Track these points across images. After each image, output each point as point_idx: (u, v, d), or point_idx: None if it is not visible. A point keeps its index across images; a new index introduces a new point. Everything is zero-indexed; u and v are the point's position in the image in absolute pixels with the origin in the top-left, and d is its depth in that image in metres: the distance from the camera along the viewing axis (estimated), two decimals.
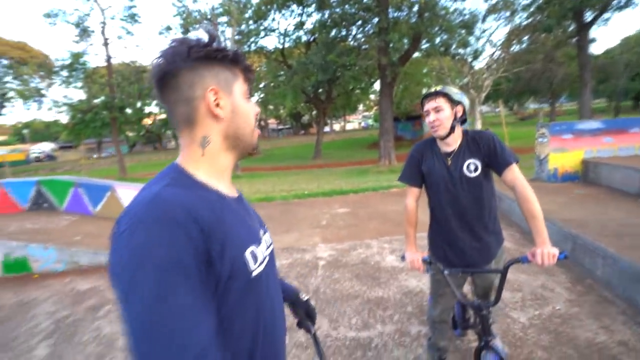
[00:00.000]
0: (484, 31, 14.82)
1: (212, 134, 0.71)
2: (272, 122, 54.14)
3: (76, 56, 17.45)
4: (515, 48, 17.33)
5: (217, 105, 0.69)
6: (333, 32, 14.30)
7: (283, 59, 18.99)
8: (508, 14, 14.73)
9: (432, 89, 1.60)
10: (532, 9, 14.75)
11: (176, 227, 0.55)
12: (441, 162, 1.64)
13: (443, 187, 1.64)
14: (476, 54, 14.35)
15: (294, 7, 16.55)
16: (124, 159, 19.92)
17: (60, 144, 47.03)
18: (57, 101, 18.42)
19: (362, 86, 21.43)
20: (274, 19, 17.59)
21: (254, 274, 0.68)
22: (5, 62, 25.93)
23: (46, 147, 40.07)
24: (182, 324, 0.53)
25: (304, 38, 18.19)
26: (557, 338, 2.26)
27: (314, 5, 15.53)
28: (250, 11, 16.64)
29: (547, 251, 1.34)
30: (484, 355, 1.54)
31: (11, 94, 26.39)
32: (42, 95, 20.65)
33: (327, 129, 40.69)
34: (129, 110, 19.53)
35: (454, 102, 1.56)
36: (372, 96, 29.40)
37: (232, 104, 0.72)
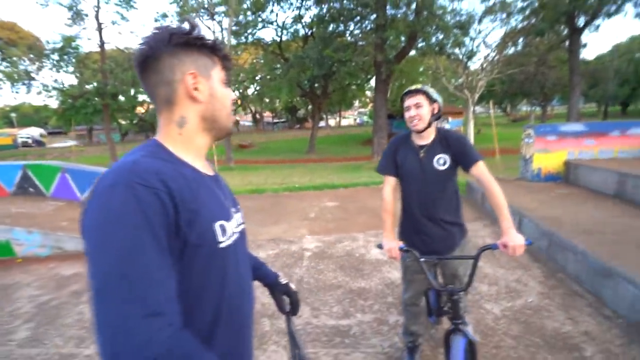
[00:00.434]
0: (479, 32, 14.96)
1: (190, 115, 0.75)
2: (268, 116, 53.86)
3: (68, 40, 17.09)
4: (510, 50, 17.50)
5: (196, 89, 0.74)
6: (331, 27, 14.28)
7: (280, 52, 18.90)
8: (504, 15, 14.86)
9: (413, 87, 1.73)
10: (527, 12, 14.92)
11: (149, 191, 0.59)
12: (414, 154, 1.78)
13: (414, 177, 1.78)
14: (471, 55, 14.50)
15: None
16: (115, 147, 19.67)
17: (49, 130, 46.09)
18: (47, 85, 18.07)
19: (358, 82, 21.47)
20: (272, 11, 17.49)
21: (221, 245, 0.73)
22: None
23: (34, 132, 39.23)
24: (144, 280, 0.56)
25: (302, 32, 18.11)
26: (527, 328, 2.37)
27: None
28: (248, 2, 16.49)
29: (515, 244, 1.43)
30: (453, 338, 1.62)
31: None
32: (32, 79, 20.17)
33: (322, 124, 40.71)
34: (122, 98, 19.23)
35: (432, 100, 1.70)
36: (368, 92, 29.47)
37: (210, 88, 0.76)
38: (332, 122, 53.63)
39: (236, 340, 0.80)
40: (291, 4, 16.92)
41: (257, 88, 21.19)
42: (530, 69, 21.38)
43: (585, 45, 21.29)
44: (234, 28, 15.84)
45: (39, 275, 3.73)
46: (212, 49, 0.77)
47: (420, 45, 13.64)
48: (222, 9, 15.30)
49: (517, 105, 42.61)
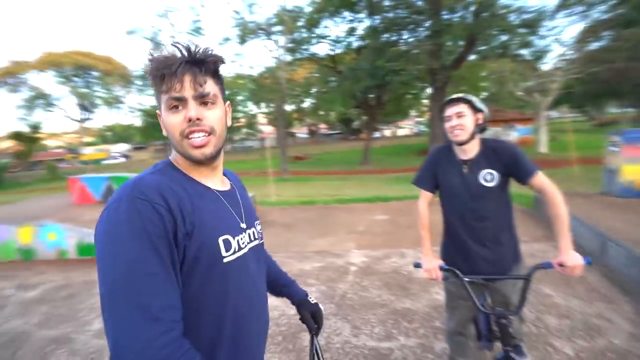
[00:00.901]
0: (551, 29, 13.52)
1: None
2: (323, 128, 54.95)
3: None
4: (591, 46, 15.50)
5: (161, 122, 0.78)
6: (384, 37, 14.14)
7: (333, 65, 19.25)
8: (582, 8, 13.26)
9: (455, 95, 1.60)
10: (612, 2, 13.10)
11: (147, 205, 0.64)
12: (457, 169, 1.61)
13: (457, 194, 1.61)
14: (540, 55, 13.14)
15: (346, 13, 16.72)
16: None
17: (134, 145, 52.77)
18: (133, 107, 20.81)
19: (414, 91, 20.84)
20: (325, 27, 17.96)
21: (225, 260, 0.73)
22: (95, 74, 30.05)
23: (123, 147, 45.38)
24: (144, 288, 0.59)
25: (355, 44, 18.26)
26: None
27: (365, 12, 15.53)
28: (303, 20, 17.18)
29: (574, 263, 1.29)
30: None
31: (98, 101, 30.43)
32: (121, 102, 23.50)
33: (377, 134, 40.19)
34: None
35: (475, 109, 1.55)
36: (425, 101, 28.43)
37: (163, 119, 0.76)
38: (388, 132, 52.71)
39: (244, 356, 0.79)
40: (344, 17, 17.21)
41: (312, 101, 21.80)
42: (619, 65, 18.65)
43: None
44: (289, 45, 16.60)
45: None
46: (153, 77, 0.73)
47: (481, 48, 12.80)
48: (278, 28, 16.17)
49: (603, 108, 37.31)
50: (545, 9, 12.29)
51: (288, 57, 17.15)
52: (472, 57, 13.83)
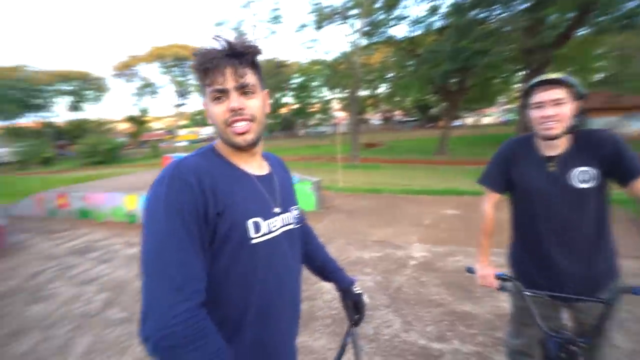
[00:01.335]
0: None
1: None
2: (399, 114, 52.83)
3: None
4: None
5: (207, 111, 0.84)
6: (471, 14, 12.76)
7: (412, 48, 18.17)
8: None
9: (549, 76, 1.26)
10: None
11: (184, 184, 0.71)
12: (540, 168, 1.33)
13: (541, 197, 1.34)
14: None
15: None
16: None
17: None
18: None
19: (504, 75, 18.56)
20: (405, 6, 16.94)
21: (253, 241, 0.78)
22: (190, 63, 33.83)
23: (209, 130, 50.48)
24: (171, 259, 0.67)
25: (437, 24, 16.89)
26: None
27: None
28: (381, 1, 16.47)
29: None
30: None
31: (191, 88, 34.42)
32: None
33: (457, 122, 37.12)
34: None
35: (578, 95, 1.23)
36: (517, 86, 25.12)
37: (207, 109, 0.83)
38: (470, 120, 48.29)
39: (270, 333, 0.83)
40: None
41: (387, 87, 20.98)
42: None
43: None
44: (365, 29, 16.14)
45: None
46: (197, 71, 0.79)
47: (599, 19, 10.60)
48: (355, 11, 15.79)
49: None
50: None
51: (364, 41, 16.70)
52: (583, 31, 11.66)
